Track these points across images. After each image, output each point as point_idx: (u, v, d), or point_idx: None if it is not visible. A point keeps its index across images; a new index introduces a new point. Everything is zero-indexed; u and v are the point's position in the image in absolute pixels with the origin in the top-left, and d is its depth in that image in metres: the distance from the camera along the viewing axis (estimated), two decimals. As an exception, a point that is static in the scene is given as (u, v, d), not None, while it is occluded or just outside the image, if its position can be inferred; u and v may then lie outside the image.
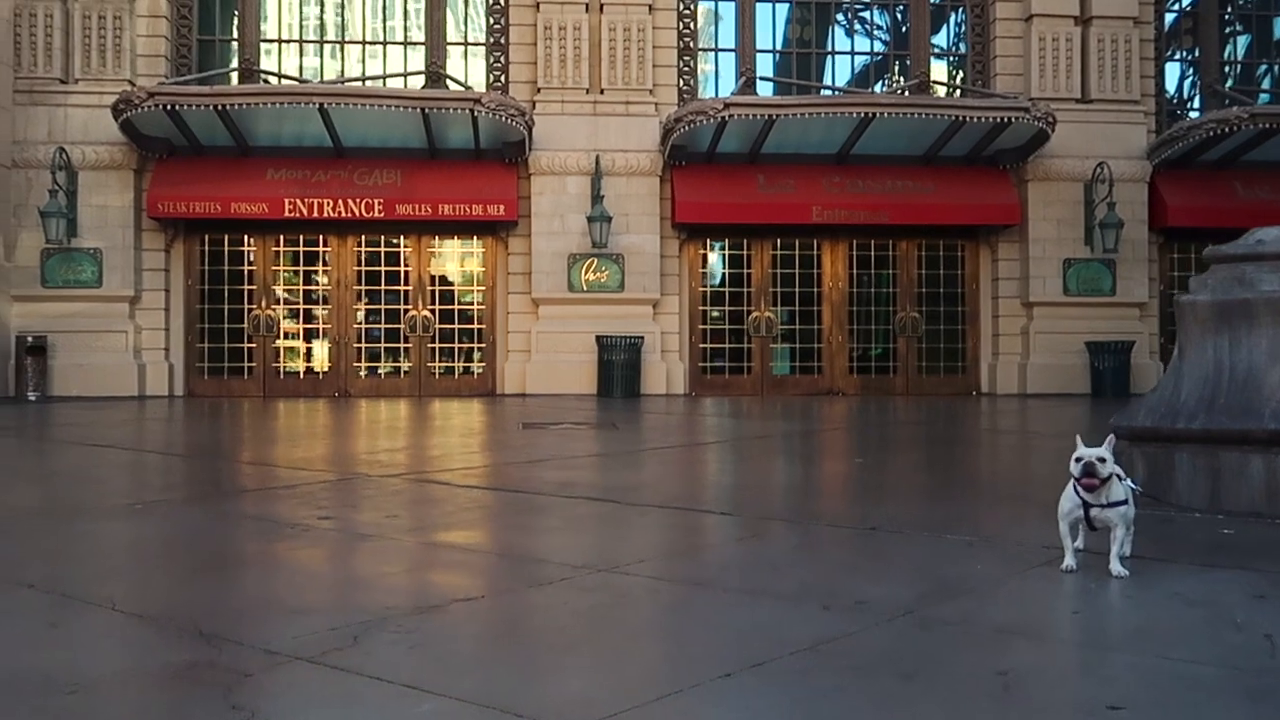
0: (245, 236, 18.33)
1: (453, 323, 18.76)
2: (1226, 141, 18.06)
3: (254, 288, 18.37)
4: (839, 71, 20.31)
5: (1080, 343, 18.37)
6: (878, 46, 20.61)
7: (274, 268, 18.55)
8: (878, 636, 3.44)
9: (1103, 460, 4.16)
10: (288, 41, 19.40)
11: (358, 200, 17.41)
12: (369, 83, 18.33)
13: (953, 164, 18.73)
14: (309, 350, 18.84)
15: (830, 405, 16.38)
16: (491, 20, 18.87)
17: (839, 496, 7.33)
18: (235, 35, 19.05)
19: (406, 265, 18.64)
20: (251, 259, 18.42)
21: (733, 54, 19.57)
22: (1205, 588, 4.12)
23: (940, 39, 20.33)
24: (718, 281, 19.37)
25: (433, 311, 18.63)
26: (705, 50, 19.75)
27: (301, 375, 18.67)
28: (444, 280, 18.98)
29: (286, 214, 17.34)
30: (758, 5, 19.52)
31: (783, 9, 19.95)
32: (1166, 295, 19.15)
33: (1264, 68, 21.26)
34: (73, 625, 3.66)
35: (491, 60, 18.88)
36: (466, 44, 19.44)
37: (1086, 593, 4.05)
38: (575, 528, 5.65)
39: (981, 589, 4.09)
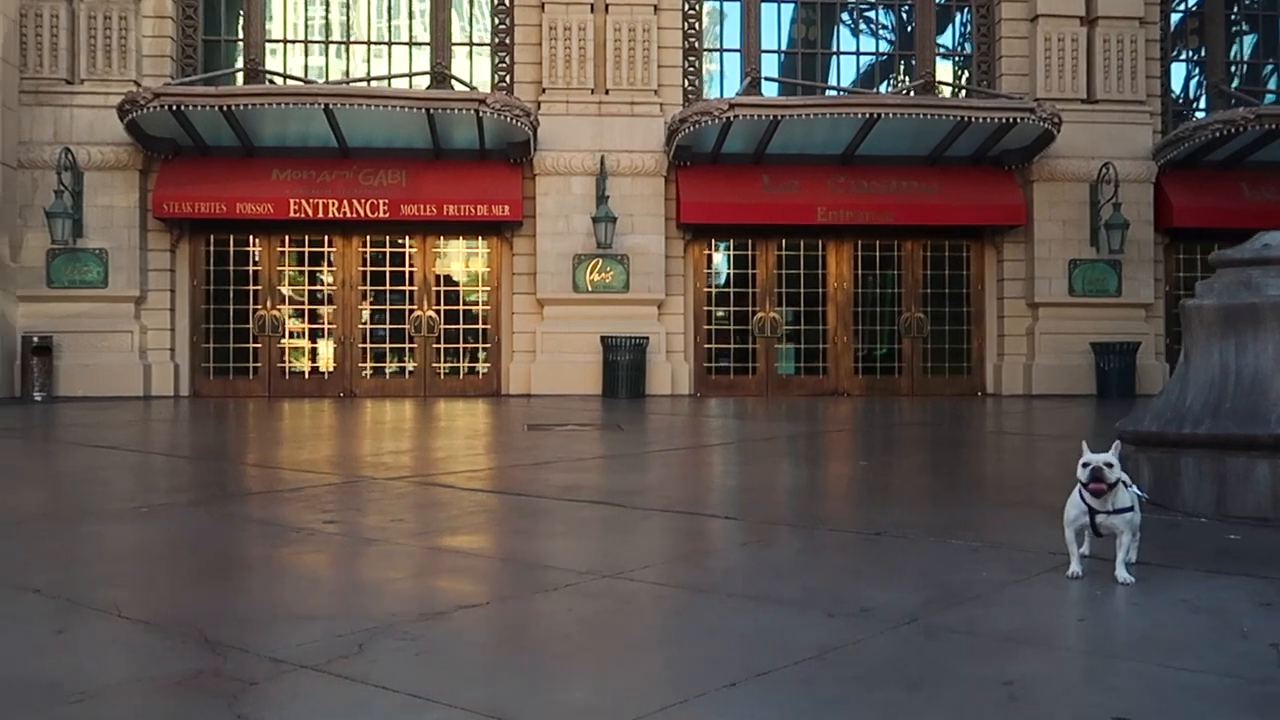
0: (250, 237, 18.35)
1: (458, 323, 18.78)
2: (1233, 142, 18.03)
3: (259, 288, 18.40)
4: (844, 72, 20.30)
5: (1085, 344, 18.34)
6: (883, 46, 20.60)
7: (279, 268, 18.58)
8: (883, 644, 3.44)
9: (1110, 465, 4.15)
10: (293, 41, 19.42)
11: (363, 200, 17.43)
12: (374, 83, 18.35)
13: (958, 164, 18.72)
14: (314, 350, 18.87)
15: (835, 406, 16.37)
16: (496, 20, 18.87)
17: (844, 500, 7.32)
18: (240, 35, 19.07)
19: (411, 265, 18.66)
20: (257, 259, 18.45)
21: (738, 54, 19.56)
22: (1211, 595, 4.10)
23: (946, 39, 20.32)
24: (722, 282, 19.37)
25: (438, 312, 18.64)
26: (710, 50, 19.74)
27: (306, 375, 18.70)
28: (449, 280, 18.99)
29: (292, 214, 17.37)
30: (763, 5, 19.51)
31: (788, 9, 19.94)
32: (1172, 296, 19.13)
33: (1270, 68, 21.21)
34: (78, 631, 3.66)
35: (496, 60, 18.88)
36: (471, 44, 19.45)
37: (1092, 600, 4.04)
38: (580, 532, 5.66)
39: (987, 595, 4.08)
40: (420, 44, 19.24)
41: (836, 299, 19.09)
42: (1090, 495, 4.17)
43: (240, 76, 18.70)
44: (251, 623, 3.79)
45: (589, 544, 5.40)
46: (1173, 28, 20.20)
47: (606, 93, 18.25)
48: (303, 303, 18.71)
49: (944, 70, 20.30)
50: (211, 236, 18.27)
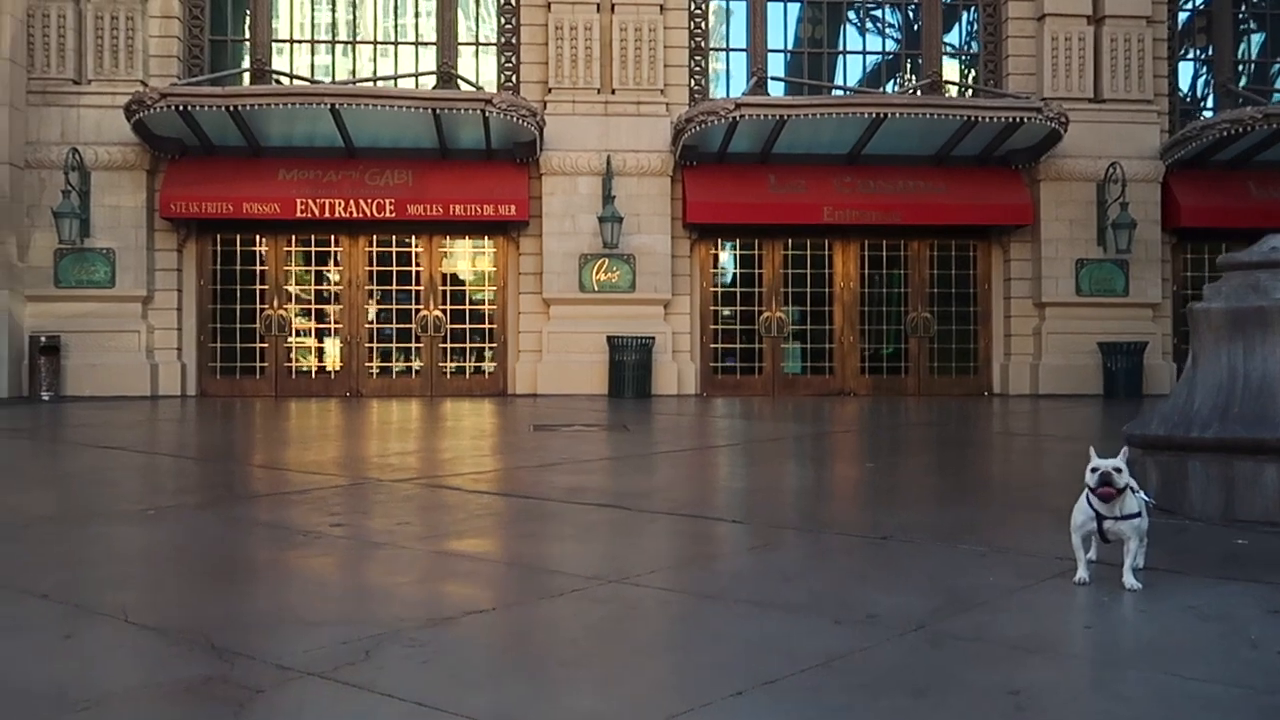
0: (257, 236, 18.39)
1: (464, 323, 18.79)
2: (1240, 141, 17.99)
3: (266, 287, 18.43)
4: (850, 71, 20.28)
5: (1093, 343, 18.32)
6: (889, 46, 20.58)
7: (286, 268, 18.61)
8: (890, 652, 3.43)
9: (1119, 470, 4.15)
10: (299, 41, 19.46)
11: (369, 200, 17.45)
12: (380, 83, 18.37)
13: (965, 164, 18.69)
14: (321, 350, 18.90)
15: (841, 406, 16.36)
16: (503, 20, 18.88)
17: (850, 502, 7.31)
18: (247, 35, 19.11)
19: (418, 265, 18.68)
20: (263, 259, 18.48)
21: (744, 53, 19.55)
22: (1219, 601, 4.09)
23: (952, 38, 20.28)
24: (729, 281, 19.36)
25: (444, 311, 18.66)
26: (716, 50, 19.72)
27: (313, 375, 18.73)
28: (455, 280, 19.01)
29: (298, 214, 17.40)
30: (769, 4, 19.50)
31: (794, 8, 19.94)
32: (1179, 296, 19.10)
33: (1278, 67, 21.13)
34: (85, 637, 3.67)
35: (503, 60, 18.89)
36: (478, 44, 19.47)
37: (1099, 606, 4.03)
38: (586, 536, 5.65)
39: (994, 601, 4.08)
40: (426, 44, 19.24)
41: (843, 299, 19.08)
42: (1099, 501, 4.17)
43: (247, 76, 18.74)
44: (258, 628, 3.80)
45: (595, 548, 5.40)
46: (1180, 27, 20.14)
47: (613, 92, 18.25)
48: (309, 302, 18.74)
49: (950, 69, 20.28)
50: (218, 236, 18.30)
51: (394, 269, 18.66)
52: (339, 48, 19.55)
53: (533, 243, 18.34)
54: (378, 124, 17.11)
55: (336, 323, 18.70)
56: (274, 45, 19.09)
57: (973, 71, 20.10)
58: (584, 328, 17.89)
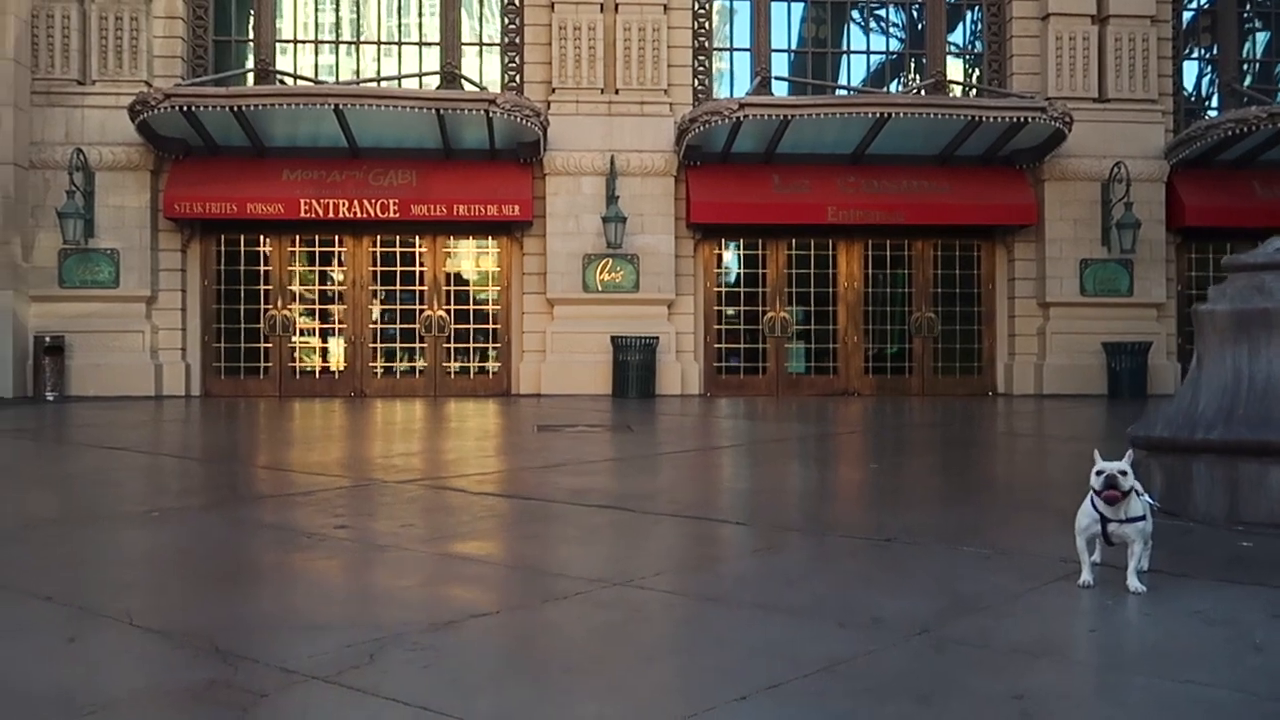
0: (261, 236, 18.39)
1: (468, 323, 18.79)
2: (1245, 141, 17.95)
3: (270, 288, 18.44)
4: (854, 71, 20.27)
5: (1097, 343, 18.29)
6: (893, 45, 20.55)
7: (290, 268, 18.62)
8: (894, 656, 3.43)
9: (1124, 473, 4.15)
10: (303, 42, 19.47)
11: (373, 200, 17.45)
12: (384, 83, 18.37)
13: (969, 164, 18.67)
14: (325, 350, 18.91)
15: (846, 406, 16.35)
16: (506, 20, 18.88)
17: (854, 504, 7.31)
18: (251, 35, 19.12)
19: (422, 265, 18.68)
20: (267, 259, 18.49)
21: (748, 53, 19.53)
22: (1223, 605, 4.09)
23: (956, 37, 20.26)
24: (733, 281, 19.35)
25: (448, 311, 18.66)
26: (720, 50, 19.71)
27: (317, 375, 18.74)
28: (459, 280, 19.01)
29: (302, 214, 17.40)
30: (773, 4, 19.48)
31: (798, 8, 19.92)
32: (1184, 296, 19.07)
33: (1283, 66, 21.10)
34: (90, 640, 3.68)
35: (506, 60, 18.89)
36: (481, 44, 19.46)
37: (1104, 610, 4.03)
38: (590, 538, 5.65)
39: (999, 605, 4.07)
40: (430, 44, 19.23)
41: (847, 299, 19.06)
42: (1104, 503, 4.16)
43: (251, 77, 18.75)
44: (263, 631, 3.80)
45: (599, 550, 5.40)
46: (1185, 26, 20.10)
47: (616, 92, 18.25)
48: (313, 302, 18.74)
49: (954, 69, 20.25)
50: (222, 236, 18.31)
51: (398, 269, 18.67)
52: (343, 48, 19.56)
53: (536, 243, 18.34)
54: (381, 124, 17.11)
55: (340, 323, 18.71)
56: (278, 45, 19.10)
57: (977, 71, 20.08)
58: (588, 328, 17.88)
